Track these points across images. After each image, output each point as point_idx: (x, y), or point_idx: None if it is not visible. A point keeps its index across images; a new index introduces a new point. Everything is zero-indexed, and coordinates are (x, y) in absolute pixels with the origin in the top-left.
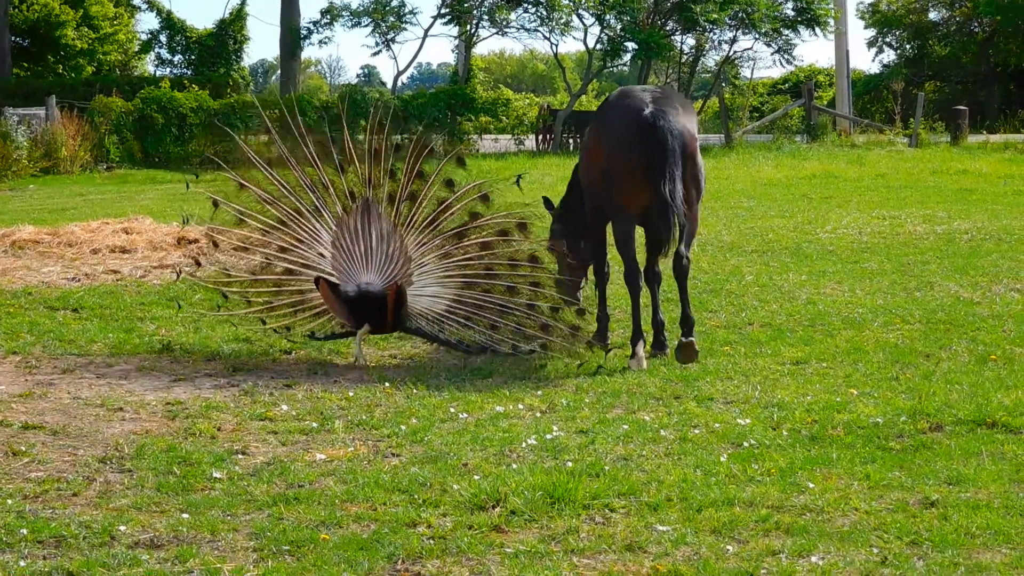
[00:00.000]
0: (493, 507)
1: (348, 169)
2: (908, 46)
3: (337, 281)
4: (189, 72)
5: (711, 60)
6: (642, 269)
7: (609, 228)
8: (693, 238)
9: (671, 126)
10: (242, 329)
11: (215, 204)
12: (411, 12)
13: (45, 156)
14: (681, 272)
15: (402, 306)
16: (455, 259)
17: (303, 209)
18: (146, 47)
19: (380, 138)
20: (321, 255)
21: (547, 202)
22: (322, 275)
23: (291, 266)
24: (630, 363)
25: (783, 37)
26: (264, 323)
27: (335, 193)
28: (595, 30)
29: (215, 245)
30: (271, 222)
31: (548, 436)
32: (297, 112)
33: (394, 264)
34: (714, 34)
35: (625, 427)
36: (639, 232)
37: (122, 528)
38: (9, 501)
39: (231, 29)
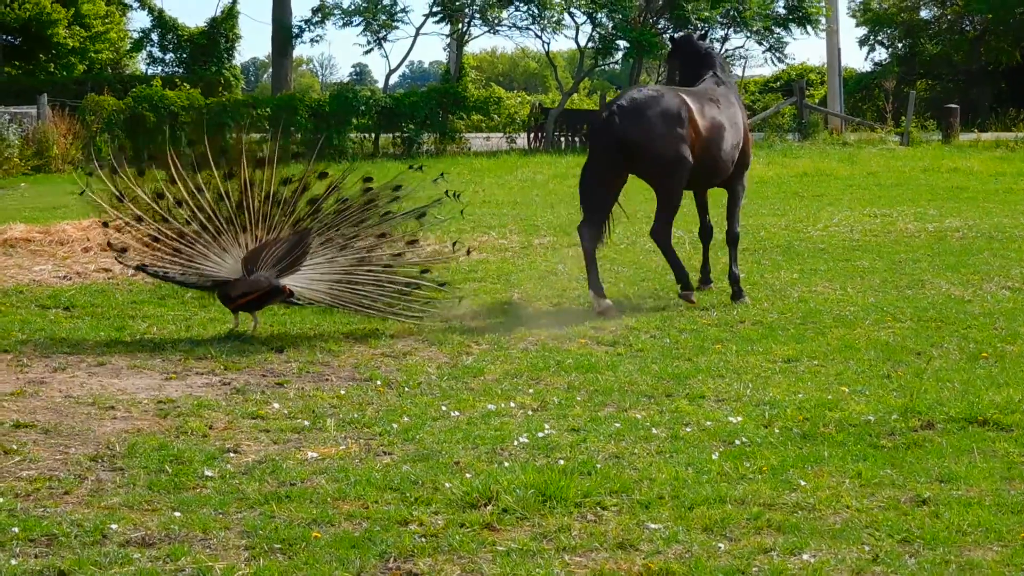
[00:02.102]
0: (485, 505)
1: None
2: (900, 44)
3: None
4: (181, 70)
5: None
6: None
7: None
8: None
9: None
10: (235, 327)
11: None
12: (403, 11)
13: (36, 154)
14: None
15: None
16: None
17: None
18: (137, 45)
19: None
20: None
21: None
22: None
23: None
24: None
25: (775, 35)
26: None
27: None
28: (587, 28)
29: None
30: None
31: (540, 434)
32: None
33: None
34: (706, 32)
35: (617, 425)
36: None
37: (114, 526)
38: (0, 499)
39: (222, 27)
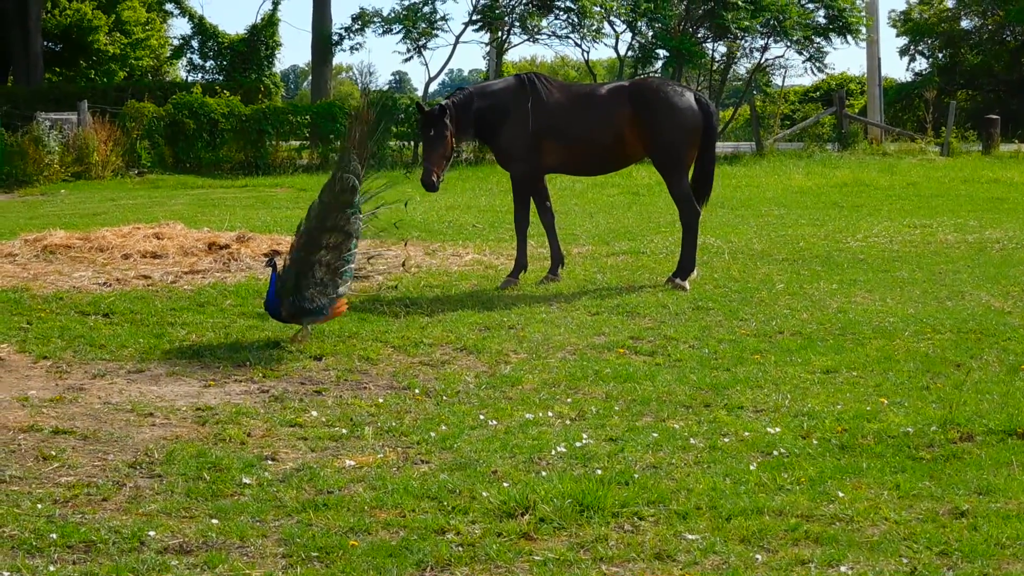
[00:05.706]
0: (522, 515)
1: None
2: (940, 54)
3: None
4: (221, 78)
5: (742, 68)
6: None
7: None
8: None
9: None
10: (272, 334)
11: None
12: (443, 19)
13: (77, 161)
14: None
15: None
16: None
17: None
18: (178, 52)
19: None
20: None
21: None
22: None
23: None
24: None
25: (815, 45)
26: None
27: None
28: (626, 37)
29: None
30: None
31: (578, 444)
32: None
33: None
34: (745, 42)
35: (655, 435)
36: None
37: (151, 533)
38: (39, 506)
39: (263, 35)
